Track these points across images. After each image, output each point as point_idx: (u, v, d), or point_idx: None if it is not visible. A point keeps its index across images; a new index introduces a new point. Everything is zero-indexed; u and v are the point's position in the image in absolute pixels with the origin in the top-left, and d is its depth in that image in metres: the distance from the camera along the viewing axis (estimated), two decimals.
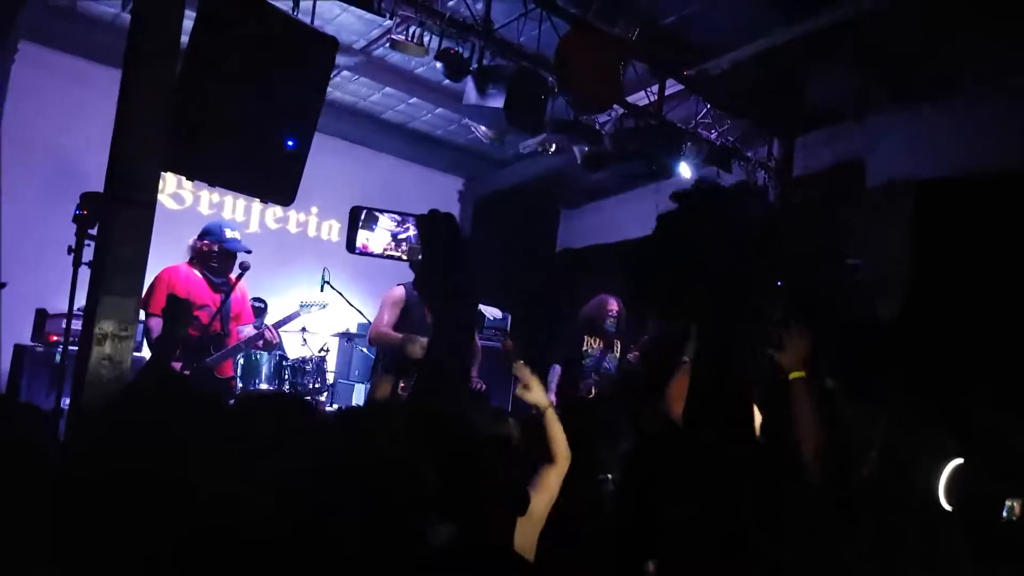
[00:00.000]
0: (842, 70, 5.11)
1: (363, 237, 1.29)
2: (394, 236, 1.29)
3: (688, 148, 4.85)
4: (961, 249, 4.66)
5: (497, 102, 4.23)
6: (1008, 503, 1.82)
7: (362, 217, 1.29)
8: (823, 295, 5.35)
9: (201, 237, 4.44)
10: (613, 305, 5.09)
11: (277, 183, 3.62)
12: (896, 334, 4.73)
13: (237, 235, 4.49)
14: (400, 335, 4.00)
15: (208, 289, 4.46)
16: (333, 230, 7.54)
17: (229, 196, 6.71)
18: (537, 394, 2.58)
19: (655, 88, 4.87)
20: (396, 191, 7.65)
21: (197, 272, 4.44)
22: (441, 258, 1.19)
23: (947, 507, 1.77)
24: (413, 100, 6.53)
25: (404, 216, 1.30)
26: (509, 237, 7.83)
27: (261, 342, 4.67)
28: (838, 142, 5.67)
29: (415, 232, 1.28)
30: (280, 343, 6.04)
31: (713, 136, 5.10)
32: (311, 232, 7.43)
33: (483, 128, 4.56)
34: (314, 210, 7.40)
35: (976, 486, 1.78)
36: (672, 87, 4.89)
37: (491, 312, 6.49)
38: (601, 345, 5.08)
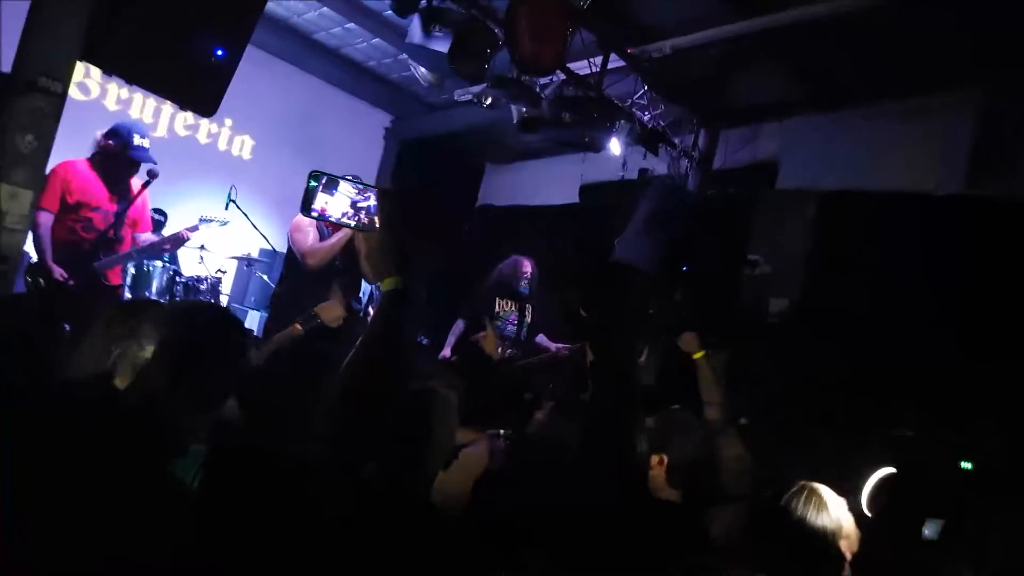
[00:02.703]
0: (772, 72, 5.32)
1: (322, 200, 1.26)
2: (353, 204, 1.27)
3: (621, 125, 4.92)
4: (853, 259, 5.01)
5: (442, 46, 4.13)
6: (930, 523, 1.92)
7: (323, 181, 1.26)
8: (721, 284, 5.67)
9: (108, 136, 4.15)
10: (527, 267, 5.14)
11: (201, 92, 3.42)
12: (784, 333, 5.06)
13: (146, 143, 4.22)
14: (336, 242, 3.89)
15: (105, 190, 4.21)
16: (246, 146, 7.20)
17: (139, 93, 6.26)
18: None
19: (598, 60, 4.89)
20: (320, 116, 7.38)
21: (96, 171, 4.18)
22: (400, 236, 1.19)
23: (869, 514, 1.87)
24: (350, 25, 6.26)
25: (366, 186, 1.28)
26: (430, 183, 7.74)
27: (169, 245, 4.47)
28: (759, 141, 5.92)
29: (376, 203, 1.26)
30: (176, 257, 5.77)
31: (646, 118, 5.19)
32: (222, 145, 7.06)
33: (423, 70, 4.44)
34: (228, 122, 7.03)
35: (902, 499, 1.89)
36: (614, 63, 4.92)
37: None
38: (514, 308, 5.13)
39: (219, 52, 3.48)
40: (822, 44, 4.83)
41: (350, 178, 3.67)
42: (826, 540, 1.69)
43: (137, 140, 4.13)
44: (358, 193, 1.28)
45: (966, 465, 2.39)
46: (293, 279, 4.12)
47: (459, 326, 5.12)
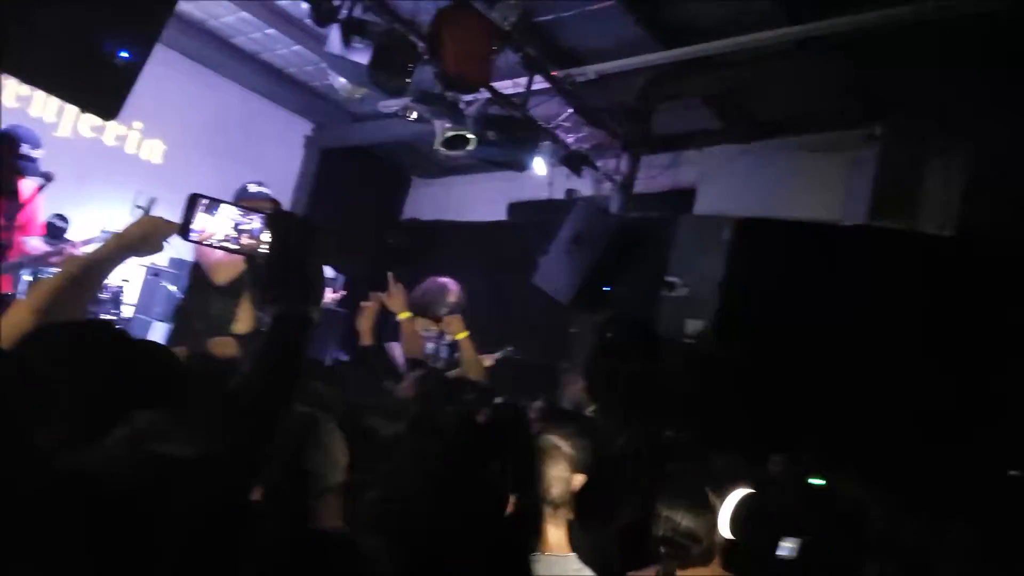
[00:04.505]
0: (692, 101, 5.47)
1: (202, 221, 1.20)
2: (236, 226, 1.22)
3: (546, 146, 4.94)
4: (765, 285, 5.17)
5: (362, 57, 4.04)
6: (785, 544, 1.99)
7: (203, 203, 1.20)
8: (640, 306, 5.76)
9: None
10: (452, 293, 5.05)
11: (101, 94, 3.21)
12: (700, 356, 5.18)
13: (37, 153, 3.99)
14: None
15: None
16: (156, 151, 6.88)
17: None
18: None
19: (523, 81, 4.90)
20: (237, 122, 7.14)
21: None
22: (292, 259, 1.15)
23: (728, 536, 1.93)
24: (270, 31, 6.10)
25: (248, 210, 1.23)
26: (354, 195, 7.59)
27: (57, 259, 4.21)
28: (679, 168, 6.06)
29: (260, 226, 1.22)
30: None
31: (570, 140, 5.23)
32: (130, 149, 6.73)
33: (342, 80, 4.33)
34: (137, 125, 6.70)
35: (758, 519, 1.96)
36: (539, 84, 4.94)
37: None
38: (433, 327, 5.04)
39: (123, 54, 3.30)
40: (737, 76, 5.00)
41: (258, 185, 3.48)
42: None
43: (25, 150, 3.91)
44: (241, 215, 1.23)
45: (819, 481, 2.51)
46: (198, 291, 3.94)
47: (397, 348, 4.95)
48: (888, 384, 4.28)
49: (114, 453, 1.22)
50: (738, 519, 1.96)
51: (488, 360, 4.68)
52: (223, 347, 2.58)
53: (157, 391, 1.38)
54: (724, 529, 1.95)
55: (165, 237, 1.58)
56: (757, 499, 2.02)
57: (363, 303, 3.76)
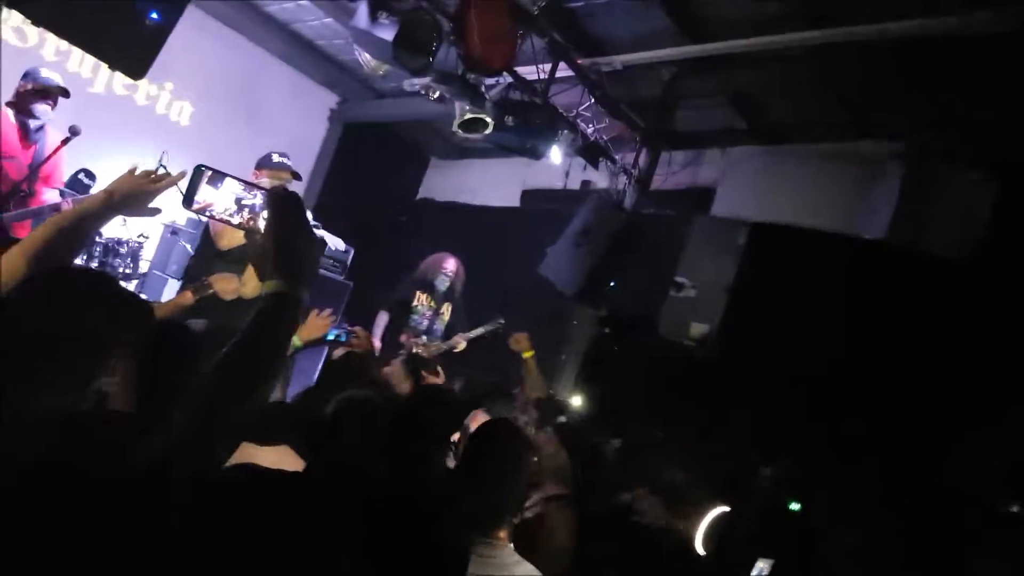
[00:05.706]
0: (716, 99, 5.42)
1: (206, 192, 1.25)
2: (238, 200, 1.26)
3: (564, 135, 4.93)
4: (775, 293, 5.13)
5: (387, 33, 4.07)
6: (759, 564, 1.98)
7: (208, 174, 1.25)
8: (646, 305, 5.74)
9: (24, 77, 4.13)
10: (449, 264, 5.12)
11: (131, 53, 3.30)
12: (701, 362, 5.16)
13: (56, 77, 4.17)
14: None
15: (20, 138, 4.14)
16: (184, 112, 6.97)
17: None
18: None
19: (546, 67, 4.89)
20: (264, 90, 7.21)
21: (11, 118, 4.12)
22: (288, 239, 1.18)
23: (701, 552, 1.91)
24: (304, 2, 6.14)
25: (251, 186, 1.27)
26: (372, 170, 7.64)
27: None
28: (700, 166, 6.02)
29: (262, 201, 1.25)
30: None
31: (589, 130, 5.22)
32: (160, 109, 6.82)
33: (366, 55, 4.36)
34: (168, 86, 6.79)
35: (733, 539, 1.95)
36: (562, 71, 4.93)
37: (334, 241, 6.32)
38: (431, 303, 5.11)
39: (154, 15, 3.38)
40: (763, 77, 4.94)
41: (281, 156, 3.53)
42: None
43: (45, 73, 4.11)
44: (244, 190, 1.26)
45: (795, 506, 2.48)
46: (204, 253, 4.05)
47: (383, 317, 5.07)
48: (893, 402, 4.23)
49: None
50: (711, 537, 1.97)
51: (462, 343, 4.75)
52: (225, 282, 2.65)
53: (142, 342, 1.41)
54: (698, 546, 1.95)
55: (150, 199, 1.58)
56: (731, 519, 2.02)
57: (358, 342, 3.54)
